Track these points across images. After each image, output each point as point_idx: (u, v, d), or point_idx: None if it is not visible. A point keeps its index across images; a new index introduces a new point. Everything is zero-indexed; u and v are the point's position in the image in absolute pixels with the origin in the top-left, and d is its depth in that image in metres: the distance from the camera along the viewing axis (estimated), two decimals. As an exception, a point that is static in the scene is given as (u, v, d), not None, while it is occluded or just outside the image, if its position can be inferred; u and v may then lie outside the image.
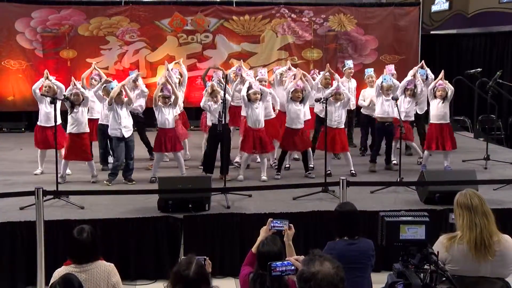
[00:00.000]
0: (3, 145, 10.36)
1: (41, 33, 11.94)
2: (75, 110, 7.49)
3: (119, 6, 12.14)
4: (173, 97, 7.69)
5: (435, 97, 8.11)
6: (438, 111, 8.10)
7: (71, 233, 3.82)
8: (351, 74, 9.71)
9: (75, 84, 7.58)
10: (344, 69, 9.85)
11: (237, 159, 8.41)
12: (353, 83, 9.62)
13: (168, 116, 7.66)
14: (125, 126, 7.46)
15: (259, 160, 8.22)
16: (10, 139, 10.96)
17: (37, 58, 12.00)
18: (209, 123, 7.97)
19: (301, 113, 7.86)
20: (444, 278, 3.14)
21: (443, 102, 8.06)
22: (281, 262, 3.13)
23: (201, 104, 7.80)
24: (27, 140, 10.72)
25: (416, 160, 8.72)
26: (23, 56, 11.94)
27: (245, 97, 7.69)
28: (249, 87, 7.72)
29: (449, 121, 8.21)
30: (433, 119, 8.17)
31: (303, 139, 7.89)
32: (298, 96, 7.80)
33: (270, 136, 8.10)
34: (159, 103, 7.67)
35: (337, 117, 7.84)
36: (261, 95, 7.71)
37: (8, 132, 11.82)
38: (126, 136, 7.47)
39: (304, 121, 8.05)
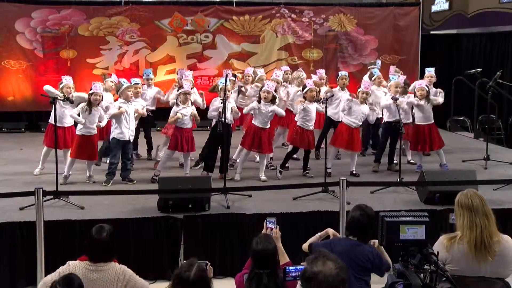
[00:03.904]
0: (3, 145, 10.34)
1: (41, 33, 11.92)
2: (93, 110, 7.35)
3: (119, 6, 12.13)
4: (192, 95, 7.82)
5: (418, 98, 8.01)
6: (422, 112, 7.99)
7: (90, 231, 3.77)
8: (346, 85, 8.95)
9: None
10: (337, 78, 9.08)
11: (235, 156, 8.40)
12: (346, 94, 8.68)
13: (187, 115, 7.55)
14: (132, 129, 7.49)
15: (257, 160, 8.20)
16: (10, 139, 10.94)
17: (37, 58, 11.98)
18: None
19: (314, 114, 7.88)
20: (444, 278, 3.14)
21: (427, 103, 7.98)
22: (294, 267, 3.14)
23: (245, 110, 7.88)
24: (27, 140, 10.75)
25: (406, 160, 8.65)
26: (23, 56, 11.92)
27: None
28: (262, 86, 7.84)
29: (433, 121, 8.15)
30: (418, 120, 8.03)
31: (312, 139, 7.96)
32: (313, 96, 7.79)
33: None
34: (180, 102, 7.56)
35: (360, 117, 7.87)
36: (273, 97, 7.66)
37: (8, 132, 11.80)
38: (131, 139, 7.51)
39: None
